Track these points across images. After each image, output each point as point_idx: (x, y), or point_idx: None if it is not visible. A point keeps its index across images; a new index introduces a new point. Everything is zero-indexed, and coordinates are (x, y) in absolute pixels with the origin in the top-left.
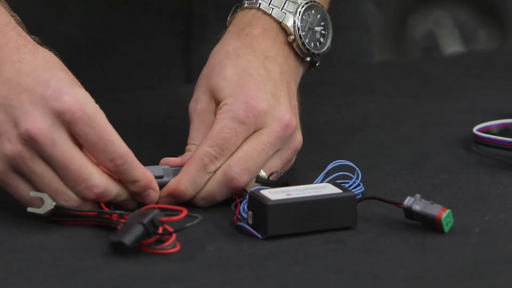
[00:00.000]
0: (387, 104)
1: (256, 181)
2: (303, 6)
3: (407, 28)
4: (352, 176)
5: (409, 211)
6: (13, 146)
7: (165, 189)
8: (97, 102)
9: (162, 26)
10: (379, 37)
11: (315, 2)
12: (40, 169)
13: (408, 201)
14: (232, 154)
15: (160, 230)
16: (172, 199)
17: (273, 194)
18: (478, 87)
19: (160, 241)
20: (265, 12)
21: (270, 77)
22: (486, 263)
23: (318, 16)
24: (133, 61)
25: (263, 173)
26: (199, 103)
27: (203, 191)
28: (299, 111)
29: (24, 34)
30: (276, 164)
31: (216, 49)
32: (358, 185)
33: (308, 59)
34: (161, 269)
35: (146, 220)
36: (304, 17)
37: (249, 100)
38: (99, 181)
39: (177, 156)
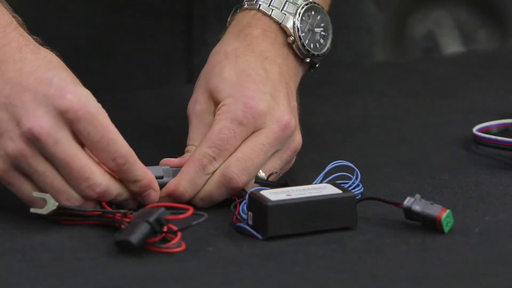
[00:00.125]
0: (387, 104)
1: (255, 182)
2: (303, 7)
3: (407, 28)
4: (352, 176)
5: (409, 212)
6: (15, 145)
7: (164, 189)
8: (98, 102)
9: (163, 26)
10: (379, 37)
11: (315, 3)
12: (42, 168)
13: (408, 201)
14: (230, 155)
15: (165, 229)
16: (171, 199)
17: (273, 194)
18: (478, 87)
19: (165, 240)
20: (264, 13)
21: (269, 77)
22: (486, 263)
23: (318, 18)
24: (134, 61)
25: (262, 174)
26: (197, 104)
27: (202, 191)
28: (298, 112)
29: (26, 34)
30: (275, 165)
31: (216, 49)
32: (358, 185)
33: (308, 60)
34: (161, 269)
35: (152, 219)
36: (304, 18)
37: (248, 101)
38: (101, 180)
39: (177, 157)
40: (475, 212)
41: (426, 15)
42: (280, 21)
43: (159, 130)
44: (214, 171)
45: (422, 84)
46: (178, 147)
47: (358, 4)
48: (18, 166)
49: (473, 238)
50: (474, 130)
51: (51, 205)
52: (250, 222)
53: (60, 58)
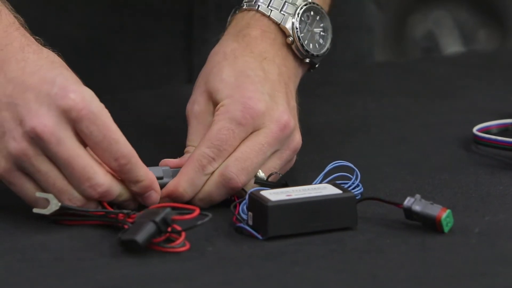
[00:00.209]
0: (387, 104)
1: (255, 182)
2: (302, 8)
3: (407, 28)
4: (351, 176)
5: (409, 212)
6: (17, 145)
7: (164, 190)
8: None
9: (163, 26)
10: (379, 37)
11: (314, 3)
12: (44, 167)
13: (408, 201)
14: (229, 155)
15: (169, 229)
16: (171, 200)
17: (273, 195)
18: (478, 87)
19: (169, 240)
20: (263, 14)
21: (268, 78)
22: (486, 263)
23: (318, 18)
24: (134, 61)
25: (261, 174)
26: (196, 105)
27: (201, 192)
28: (298, 112)
29: (28, 35)
30: (274, 165)
31: (214, 50)
32: (357, 185)
33: (307, 60)
34: (161, 269)
35: (158, 218)
36: (303, 18)
37: (247, 101)
38: (103, 180)
39: (177, 157)
40: (475, 212)
41: (426, 15)
42: (279, 22)
43: (159, 130)
44: (213, 172)
45: (422, 84)
46: (178, 147)
47: (358, 4)
48: (21, 165)
49: (473, 238)
50: (474, 130)
51: (54, 205)
52: (250, 223)
53: (61, 59)
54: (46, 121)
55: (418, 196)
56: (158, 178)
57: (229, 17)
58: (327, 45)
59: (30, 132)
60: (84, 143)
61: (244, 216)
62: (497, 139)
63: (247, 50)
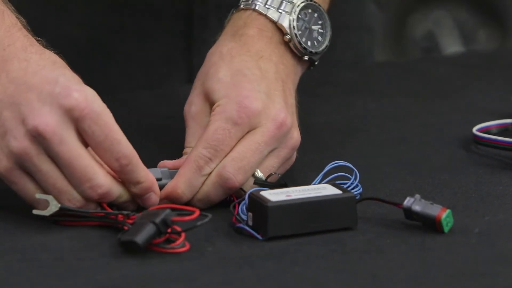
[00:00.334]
0: (387, 104)
1: (254, 183)
2: (299, 6)
3: (407, 28)
4: (350, 176)
5: (409, 212)
6: (19, 144)
7: (162, 192)
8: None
9: (163, 26)
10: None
11: (312, 1)
12: (45, 167)
13: (408, 201)
14: (226, 155)
15: (169, 230)
16: (169, 202)
17: (273, 195)
18: (478, 87)
19: (169, 241)
20: (260, 13)
21: (264, 76)
22: (486, 263)
23: (315, 15)
24: (134, 61)
25: (260, 174)
26: (193, 106)
27: (199, 193)
28: (297, 110)
29: (30, 36)
30: (273, 163)
31: (211, 50)
32: (356, 185)
33: (306, 58)
34: (161, 269)
35: (158, 220)
36: (300, 16)
37: (242, 100)
38: (103, 181)
39: (176, 158)
40: (475, 212)
41: (426, 15)
42: (276, 20)
43: (159, 130)
44: (210, 172)
45: (422, 84)
46: (178, 147)
47: (358, 4)
48: (22, 164)
49: (473, 238)
50: (474, 130)
51: (54, 206)
52: (250, 223)
53: (63, 60)
54: (48, 120)
55: (418, 196)
56: (157, 180)
57: (228, 17)
58: (326, 42)
59: (33, 131)
60: (85, 143)
61: (244, 217)
62: (497, 139)
63: (243, 49)
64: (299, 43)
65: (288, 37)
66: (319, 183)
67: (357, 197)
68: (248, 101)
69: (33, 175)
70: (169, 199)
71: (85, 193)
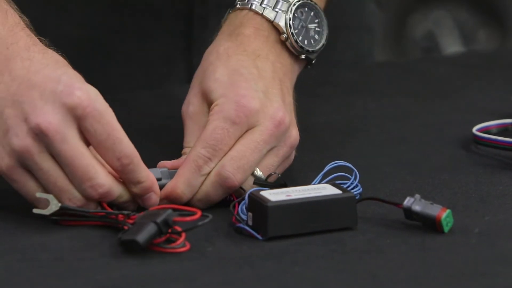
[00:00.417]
0: (387, 104)
1: (254, 183)
2: (295, 4)
3: (407, 28)
4: (350, 176)
5: (409, 212)
6: (21, 141)
7: (162, 192)
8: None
9: (163, 26)
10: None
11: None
12: (46, 165)
13: (408, 201)
14: (225, 154)
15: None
16: (169, 202)
17: (273, 195)
18: (478, 87)
19: (169, 241)
20: (256, 12)
21: (262, 75)
22: (486, 263)
23: (312, 14)
24: (134, 61)
25: (259, 173)
26: (191, 106)
27: (199, 192)
28: (295, 108)
29: (33, 35)
30: (272, 162)
31: (208, 50)
32: (356, 185)
33: (303, 56)
34: (161, 269)
35: (160, 220)
36: (296, 15)
37: (240, 99)
38: (104, 180)
39: (176, 158)
40: (475, 212)
41: (426, 15)
42: (272, 19)
43: (159, 130)
44: (209, 172)
45: (422, 84)
46: (177, 147)
47: (358, 4)
48: (23, 162)
49: (473, 238)
50: (474, 130)
51: (54, 205)
52: (250, 223)
53: (65, 59)
54: (51, 118)
55: (418, 196)
56: (156, 180)
57: (224, 16)
58: (323, 41)
59: (35, 129)
60: (87, 142)
61: (244, 216)
62: (497, 139)
63: (240, 48)
64: (296, 42)
65: (284, 36)
66: (319, 183)
67: (357, 197)
68: (245, 100)
69: (34, 173)
70: (169, 199)
71: (85, 192)
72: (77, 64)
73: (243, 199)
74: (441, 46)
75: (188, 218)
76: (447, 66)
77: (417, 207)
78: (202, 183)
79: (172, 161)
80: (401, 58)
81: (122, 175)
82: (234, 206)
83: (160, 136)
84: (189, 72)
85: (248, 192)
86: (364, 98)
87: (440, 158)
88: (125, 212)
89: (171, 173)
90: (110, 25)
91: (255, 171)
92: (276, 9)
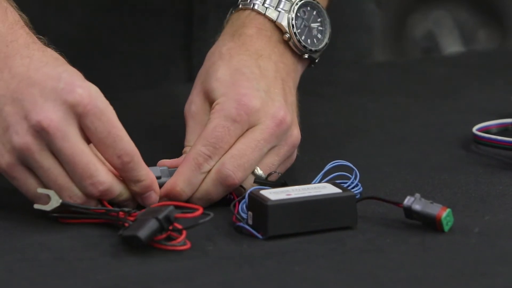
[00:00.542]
0: (387, 104)
1: (254, 182)
2: (297, 4)
3: (407, 28)
4: (350, 176)
5: (409, 211)
6: (21, 139)
7: (161, 190)
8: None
9: (163, 26)
10: (379, 37)
11: None
12: (47, 163)
13: (408, 200)
14: (225, 153)
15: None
16: (169, 200)
17: (273, 194)
18: (478, 87)
19: (170, 238)
20: (259, 12)
21: (264, 75)
22: (486, 263)
23: (314, 13)
24: (134, 61)
25: (260, 171)
26: (193, 105)
27: (199, 191)
28: (297, 108)
29: (32, 34)
30: (273, 161)
31: (211, 51)
32: (356, 185)
33: (306, 56)
34: (161, 269)
35: (161, 216)
36: (299, 14)
37: (241, 98)
38: (105, 178)
39: (176, 157)
40: (475, 212)
41: (426, 15)
42: (275, 19)
43: (159, 130)
44: (210, 170)
45: (422, 84)
46: (177, 146)
47: (358, 4)
48: (24, 160)
49: (473, 238)
50: (474, 130)
51: (55, 202)
52: (250, 222)
53: (64, 58)
54: (52, 116)
55: (418, 195)
56: (156, 178)
57: (226, 17)
58: (326, 40)
59: (36, 126)
60: (87, 140)
61: (244, 215)
62: (497, 138)
63: (242, 48)
64: (299, 41)
65: (287, 35)
66: (319, 182)
67: (357, 196)
68: (246, 98)
69: (35, 171)
70: (168, 197)
71: (86, 189)
72: (77, 63)
73: (244, 198)
74: (441, 46)
75: (190, 215)
76: (447, 66)
77: (417, 206)
78: (203, 182)
79: (171, 159)
80: (401, 58)
81: (122, 173)
82: (234, 205)
83: (160, 135)
84: (189, 72)
85: (248, 191)
86: (364, 98)
87: (440, 158)
88: (126, 209)
89: (171, 171)
90: (110, 24)
91: (256, 170)
92: (279, 9)
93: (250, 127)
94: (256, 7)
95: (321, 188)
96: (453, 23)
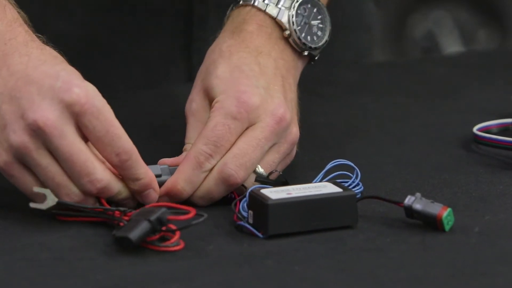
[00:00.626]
0: (387, 104)
1: (255, 180)
2: (298, 1)
3: (407, 28)
4: (351, 175)
5: (409, 210)
6: (18, 138)
7: (162, 188)
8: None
9: (163, 25)
10: (379, 37)
11: None
12: (44, 161)
13: (408, 200)
14: (227, 151)
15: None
16: (169, 198)
17: (274, 193)
18: (478, 87)
19: (163, 239)
20: (259, 9)
21: (263, 72)
22: (486, 263)
23: (315, 10)
24: (134, 61)
25: (261, 170)
26: (193, 103)
27: (200, 189)
28: (298, 105)
29: (30, 32)
30: (273, 158)
31: (211, 48)
32: (357, 184)
33: (306, 53)
34: (161, 269)
35: (153, 217)
36: (299, 11)
37: (241, 96)
38: (102, 176)
39: (176, 156)
40: (475, 212)
41: (426, 15)
42: (275, 16)
43: (159, 129)
44: (211, 168)
45: (422, 84)
46: (178, 146)
47: (358, 4)
48: (21, 158)
49: (473, 237)
50: (474, 129)
51: (51, 200)
52: (251, 221)
53: (63, 57)
54: (48, 114)
55: (418, 194)
56: (156, 176)
57: (227, 13)
58: (326, 37)
59: (32, 125)
60: (85, 138)
61: (245, 214)
62: (497, 138)
63: (242, 45)
64: (299, 38)
65: (287, 32)
66: (320, 181)
67: (358, 196)
68: (246, 96)
69: (32, 169)
70: (169, 195)
71: (84, 187)
72: (76, 63)
73: (245, 196)
74: (441, 46)
75: (182, 217)
76: (447, 66)
77: (418, 206)
78: (204, 181)
79: (172, 158)
80: (401, 58)
81: (121, 171)
82: (235, 205)
83: (160, 135)
84: (188, 71)
85: (249, 190)
86: (364, 98)
87: (440, 157)
88: (122, 208)
89: (172, 170)
90: (110, 24)
91: (257, 168)
92: (279, 6)
93: (250, 124)
94: (256, 3)
95: (322, 187)
96: (453, 23)
